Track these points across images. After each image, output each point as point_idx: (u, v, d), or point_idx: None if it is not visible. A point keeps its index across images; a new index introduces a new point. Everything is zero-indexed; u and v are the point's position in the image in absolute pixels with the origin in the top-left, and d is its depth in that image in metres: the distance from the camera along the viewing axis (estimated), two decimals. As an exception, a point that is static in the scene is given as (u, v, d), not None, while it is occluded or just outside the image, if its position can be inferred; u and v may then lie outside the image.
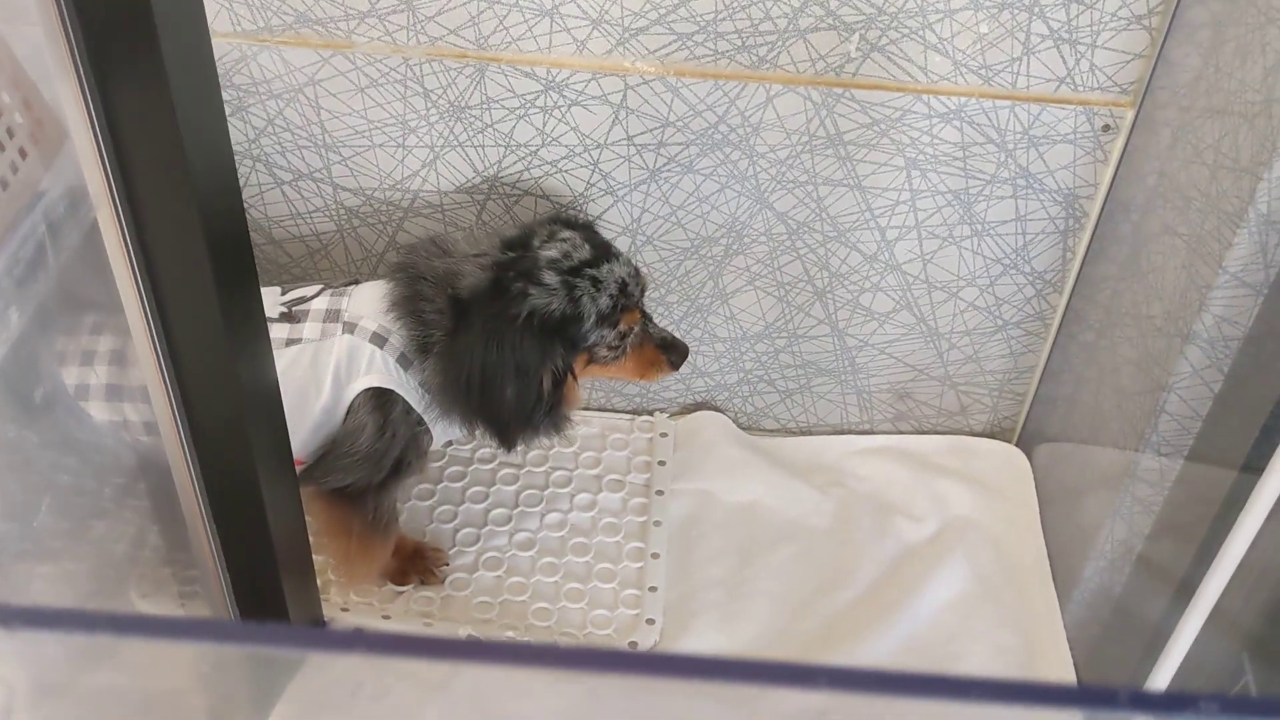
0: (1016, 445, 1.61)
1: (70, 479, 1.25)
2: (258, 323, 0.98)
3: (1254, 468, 1.08)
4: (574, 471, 1.55)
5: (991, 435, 1.62)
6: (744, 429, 1.63)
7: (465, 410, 1.22)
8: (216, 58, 1.29)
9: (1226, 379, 1.21)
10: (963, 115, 1.29)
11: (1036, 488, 1.56)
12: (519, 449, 1.43)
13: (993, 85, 1.27)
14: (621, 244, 1.43)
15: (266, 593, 1.15)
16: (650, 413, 1.62)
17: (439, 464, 1.54)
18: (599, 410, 1.63)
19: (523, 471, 1.54)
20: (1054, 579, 1.45)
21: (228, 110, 1.32)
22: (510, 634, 1.33)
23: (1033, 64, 1.25)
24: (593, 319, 1.20)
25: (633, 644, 1.34)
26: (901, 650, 1.36)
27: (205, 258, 0.86)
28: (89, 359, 1.17)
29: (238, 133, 1.36)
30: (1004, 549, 1.48)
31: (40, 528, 1.24)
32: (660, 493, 1.52)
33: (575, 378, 1.24)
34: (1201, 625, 1.17)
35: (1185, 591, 1.19)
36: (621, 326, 1.23)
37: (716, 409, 1.62)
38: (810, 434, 1.63)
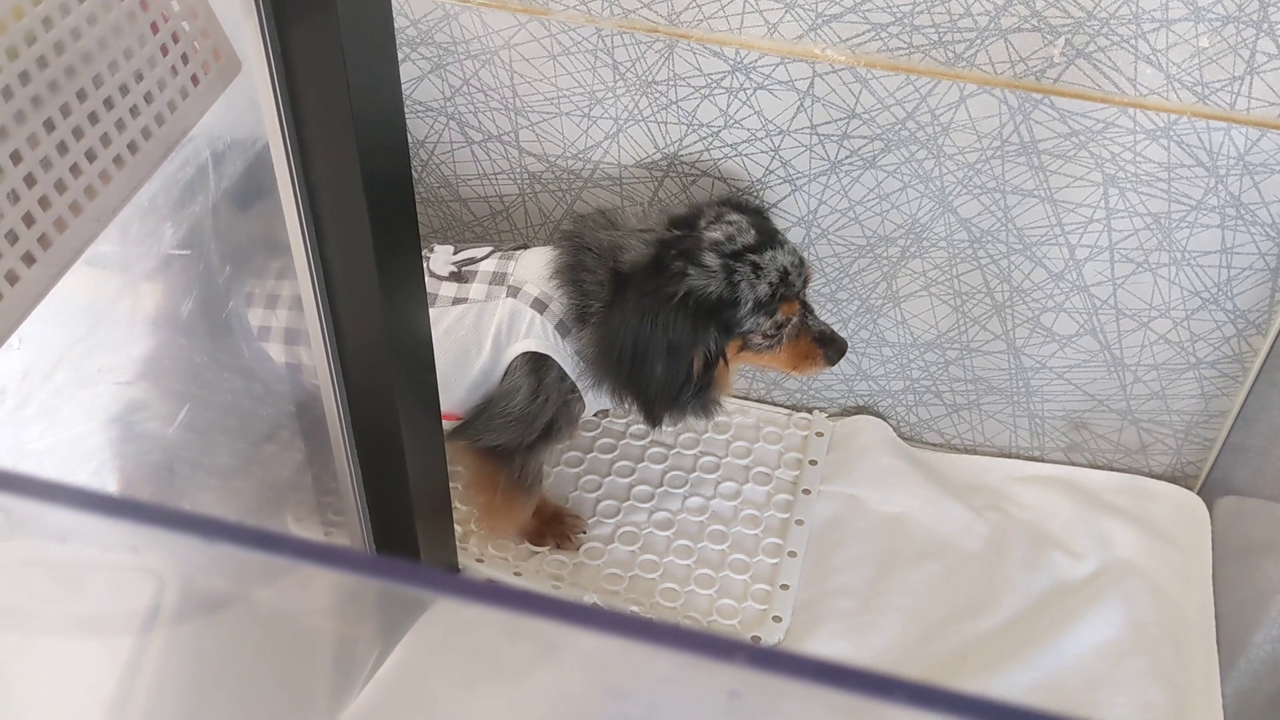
0: (1198, 493, 1.50)
1: (248, 404, 1.33)
2: (413, 273, 1.01)
3: None
4: (723, 459, 1.54)
5: (1172, 479, 1.51)
6: (905, 439, 1.58)
7: (615, 383, 1.23)
8: (420, 15, 1.34)
9: None
10: (1171, 134, 1.20)
11: (1214, 541, 1.45)
12: (666, 428, 1.43)
13: (1208, 104, 1.18)
14: (795, 235, 1.41)
15: (402, 533, 1.19)
16: (809, 410, 1.59)
17: (591, 434, 1.56)
18: (757, 401, 1.61)
19: (672, 452, 1.54)
20: (1218, 640, 1.35)
21: (427, 67, 1.37)
22: (635, 609, 1.33)
23: (1255, 84, 1.16)
24: (749, 305, 1.18)
25: (755, 638, 1.32)
26: (1036, 688, 1.29)
27: (364, 204, 0.89)
28: (273, 302, 1.23)
29: (435, 90, 1.41)
30: (1167, 601, 1.38)
31: (217, 444, 1.32)
32: (807, 491, 1.49)
33: (728, 363, 1.23)
34: None
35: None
36: (779, 316, 1.21)
37: (878, 415, 1.58)
38: (975, 453, 1.57)
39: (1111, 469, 1.53)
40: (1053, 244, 1.32)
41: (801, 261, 1.23)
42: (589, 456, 1.54)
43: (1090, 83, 1.20)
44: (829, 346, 1.26)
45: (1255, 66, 1.15)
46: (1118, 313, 1.36)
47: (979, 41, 1.20)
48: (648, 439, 1.55)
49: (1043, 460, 1.54)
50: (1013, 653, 1.32)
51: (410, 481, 1.13)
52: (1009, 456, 1.55)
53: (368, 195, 0.89)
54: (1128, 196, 1.26)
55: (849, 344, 1.29)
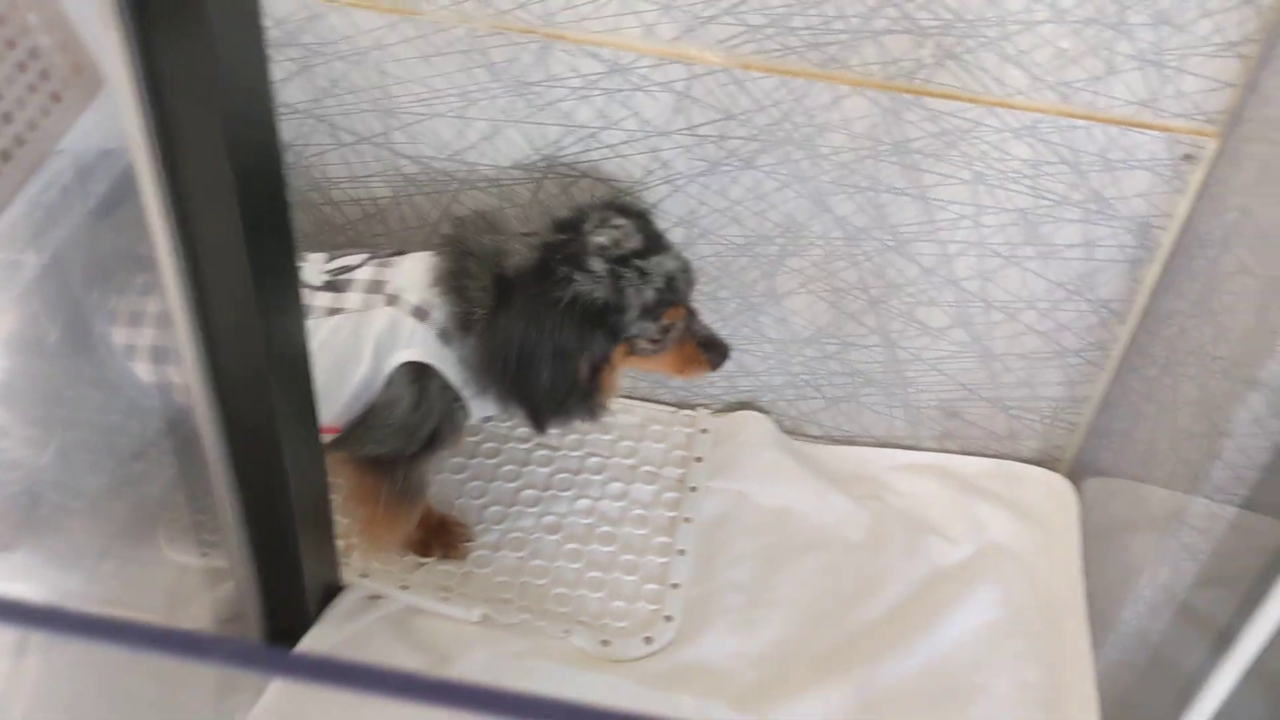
0: (1066, 476, 1.56)
1: (115, 423, 1.27)
2: (290, 284, 0.97)
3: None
4: (609, 459, 1.53)
5: (1040, 463, 1.57)
6: (787, 433, 1.60)
7: (501, 389, 1.22)
8: (285, 15, 1.29)
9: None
10: (1036, 132, 1.24)
11: (1081, 521, 1.51)
12: (552, 431, 1.42)
13: (1070, 103, 1.22)
14: (676, 235, 1.41)
15: (283, 550, 1.15)
16: (693, 407, 1.60)
17: (475, 439, 1.54)
18: (642, 400, 1.61)
19: (558, 454, 1.53)
20: (1089, 618, 1.40)
21: (294, 68, 1.33)
22: (525, 616, 1.32)
23: (1115, 84, 1.20)
24: (636, 310, 1.18)
25: (648, 639, 1.32)
26: (921, 673, 1.33)
27: (238, 214, 0.86)
28: (139, 320, 1.18)
29: (302, 92, 1.36)
30: (1040, 581, 1.44)
31: (82, 466, 1.26)
32: (694, 489, 1.50)
33: (614, 367, 1.23)
34: (1238, 680, 1.13)
35: (1224, 643, 1.14)
36: (664, 320, 1.21)
37: (760, 410, 1.59)
38: (854, 444, 1.60)
39: (984, 455, 1.57)
40: (925, 240, 1.36)
41: (687, 266, 1.23)
42: (473, 462, 1.51)
43: (959, 83, 1.23)
44: (713, 351, 1.27)
45: (1114, 67, 1.19)
46: (987, 305, 1.40)
47: (852, 43, 1.21)
48: (533, 442, 1.54)
49: (918, 449, 1.58)
50: (897, 640, 1.35)
51: (291, 497, 1.10)
52: (886, 446, 1.59)
53: (242, 206, 0.86)
54: (995, 193, 1.30)
55: (732, 346, 1.29)
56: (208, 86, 0.78)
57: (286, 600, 1.20)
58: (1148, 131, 1.22)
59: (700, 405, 1.60)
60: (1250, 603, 1.11)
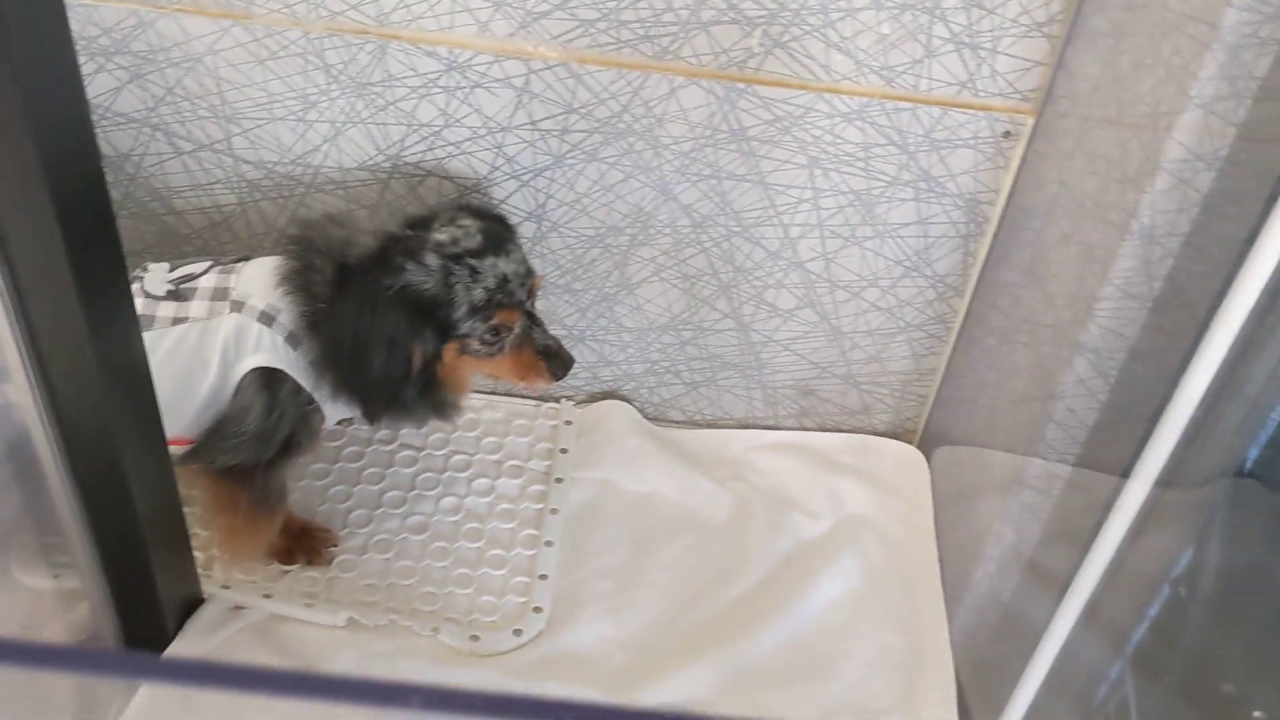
0: (917, 446, 1.62)
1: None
2: (121, 298, 0.96)
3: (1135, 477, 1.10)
4: (474, 456, 1.54)
5: (894, 435, 1.62)
6: (650, 419, 1.62)
7: (335, 378, 1.21)
8: (113, 23, 1.27)
9: (1112, 390, 1.22)
10: (864, 116, 1.29)
11: (933, 489, 1.57)
12: (399, 428, 1.42)
13: (894, 87, 1.27)
14: (526, 230, 1.42)
15: (134, 567, 1.14)
16: (557, 400, 1.62)
17: (336, 443, 1.53)
18: (505, 395, 1.62)
19: (422, 454, 1.53)
20: (943, 581, 1.46)
21: (125, 77, 1.30)
22: (393, 617, 1.32)
23: (934, 67, 1.25)
24: (464, 308, 1.18)
25: (517, 631, 1.33)
26: (787, 646, 1.36)
27: (57, 232, 0.84)
28: None
29: (136, 101, 1.34)
30: (897, 549, 1.49)
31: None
32: (560, 480, 1.51)
33: (446, 363, 1.22)
34: (1073, 627, 1.19)
35: (1062, 594, 1.20)
36: (495, 321, 1.20)
37: (623, 398, 1.62)
38: (716, 427, 1.63)
39: (839, 430, 1.62)
40: (768, 225, 1.39)
41: (529, 272, 1.23)
42: (336, 466, 1.51)
43: (788, 71, 1.26)
44: (553, 360, 1.26)
45: (932, 50, 1.24)
46: (832, 285, 1.45)
47: (683, 35, 1.24)
48: (396, 443, 1.54)
49: (778, 428, 1.63)
50: (763, 615, 1.39)
51: (139, 514, 1.08)
52: (747, 427, 1.63)
53: (62, 225, 0.84)
54: (831, 176, 1.34)
55: (574, 359, 1.29)
56: (11, 108, 0.77)
57: (143, 617, 1.18)
58: (968, 111, 1.28)
59: (564, 397, 1.62)
60: (1083, 553, 1.17)
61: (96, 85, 1.32)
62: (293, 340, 1.21)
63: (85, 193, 0.87)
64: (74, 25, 1.22)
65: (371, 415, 1.23)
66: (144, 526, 1.09)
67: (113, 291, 0.94)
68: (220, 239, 1.47)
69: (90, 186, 0.87)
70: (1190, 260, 1.11)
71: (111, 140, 1.37)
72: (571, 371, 1.56)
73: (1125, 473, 1.15)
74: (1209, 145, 1.02)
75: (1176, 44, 1.07)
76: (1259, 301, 0.94)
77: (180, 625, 1.25)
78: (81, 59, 1.27)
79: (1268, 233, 0.89)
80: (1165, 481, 1.09)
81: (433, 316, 1.16)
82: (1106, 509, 1.19)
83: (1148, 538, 1.16)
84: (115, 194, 1.43)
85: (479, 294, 1.17)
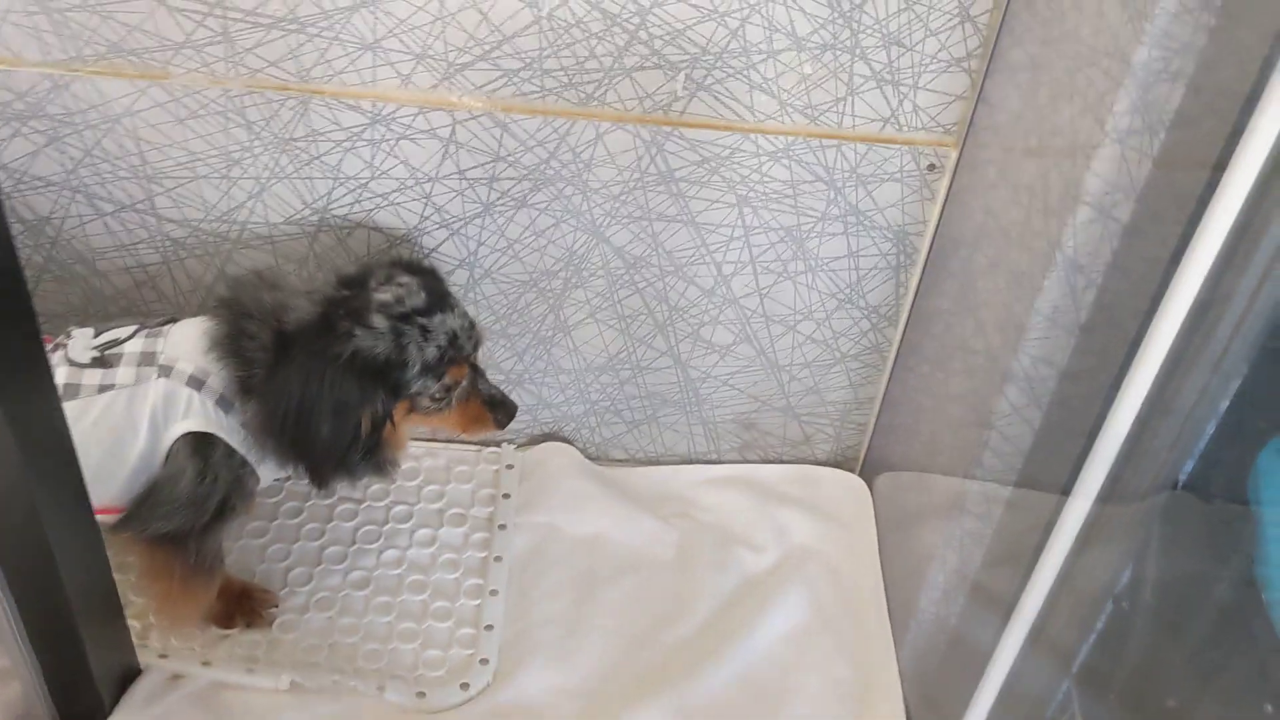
0: (860, 474, 1.63)
1: None
2: (38, 372, 0.94)
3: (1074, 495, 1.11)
4: (415, 506, 1.52)
5: (836, 464, 1.63)
6: (592, 459, 1.62)
7: (279, 447, 1.19)
8: (27, 87, 1.24)
9: (1045, 412, 1.23)
10: (790, 154, 1.30)
11: (876, 517, 1.57)
12: (338, 491, 1.41)
13: (818, 125, 1.28)
14: (459, 277, 1.41)
15: (66, 644, 1.11)
16: (498, 444, 1.61)
17: (275, 499, 1.51)
18: (445, 443, 1.61)
19: (362, 507, 1.52)
20: (889, 609, 1.47)
21: (42, 141, 1.28)
22: (337, 678, 1.30)
23: (857, 104, 1.26)
24: (417, 368, 1.18)
25: (465, 685, 1.32)
26: (736, 684, 1.36)
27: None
28: None
29: (54, 164, 1.31)
30: (843, 579, 1.49)
31: None
32: (503, 526, 1.50)
33: (394, 424, 1.22)
34: (1020, 648, 1.20)
35: (1008, 615, 1.21)
36: (447, 379, 1.21)
37: (565, 439, 1.61)
38: (659, 464, 1.63)
39: (782, 461, 1.63)
40: (701, 264, 1.40)
41: (472, 325, 1.23)
42: (274, 524, 1.48)
43: (713, 112, 1.27)
44: (498, 410, 1.27)
45: (855, 88, 1.25)
46: (767, 320, 1.45)
47: (606, 81, 1.24)
48: (336, 497, 1.52)
49: (720, 462, 1.63)
50: (710, 653, 1.38)
51: (67, 589, 1.06)
52: (690, 463, 1.63)
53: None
54: (760, 214, 1.35)
55: (518, 405, 1.30)
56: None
57: (77, 693, 1.15)
58: (893, 146, 1.29)
59: (505, 441, 1.61)
60: (1026, 573, 1.19)
61: (12, 150, 1.30)
62: (224, 404, 1.19)
63: (-4, 272, 0.85)
64: (-14, 91, 1.20)
65: (321, 483, 1.21)
66: (72, 601, 1.07)
67: (29, 367, 0.92)
68: (146, 299, 1.44)
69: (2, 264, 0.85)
70: (1115, 285, 1.13)
71: (31, 204, 1.35)
72: (512, 416, 1.56)
73: (1065, 491, 1.17)
74: (1126, 176, 1.04)
75: (1091, 77, 1.09)
76: (1185, 321, 0.96)
77: (117, 698, 1.22)
78: (-5, 124, 1.25)
79: (1191, 257, 0.91)
80: (1103, 498, 1.10)
81: (385, 379, 1.16)
82: (1048, 528, 1.20)
83: (1088, 555, 1.18)
84: (37, 258, 1.40)
85: (431, 352, 1.17)
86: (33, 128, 1.28)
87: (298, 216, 1.36)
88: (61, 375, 1.19)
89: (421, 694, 1.30)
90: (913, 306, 1.44)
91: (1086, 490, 1.11)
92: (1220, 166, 0.88)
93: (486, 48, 1.22)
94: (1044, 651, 1.22)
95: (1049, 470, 1.22)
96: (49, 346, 1.22)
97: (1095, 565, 1.21)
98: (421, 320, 1.18)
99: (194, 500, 1.20)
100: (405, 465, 1.56)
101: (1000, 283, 1.32)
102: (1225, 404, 1.15)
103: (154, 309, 1.45)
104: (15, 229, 1.37)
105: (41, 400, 0.96)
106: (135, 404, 1.18)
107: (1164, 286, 0.96)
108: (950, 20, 1.20)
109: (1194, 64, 0.97)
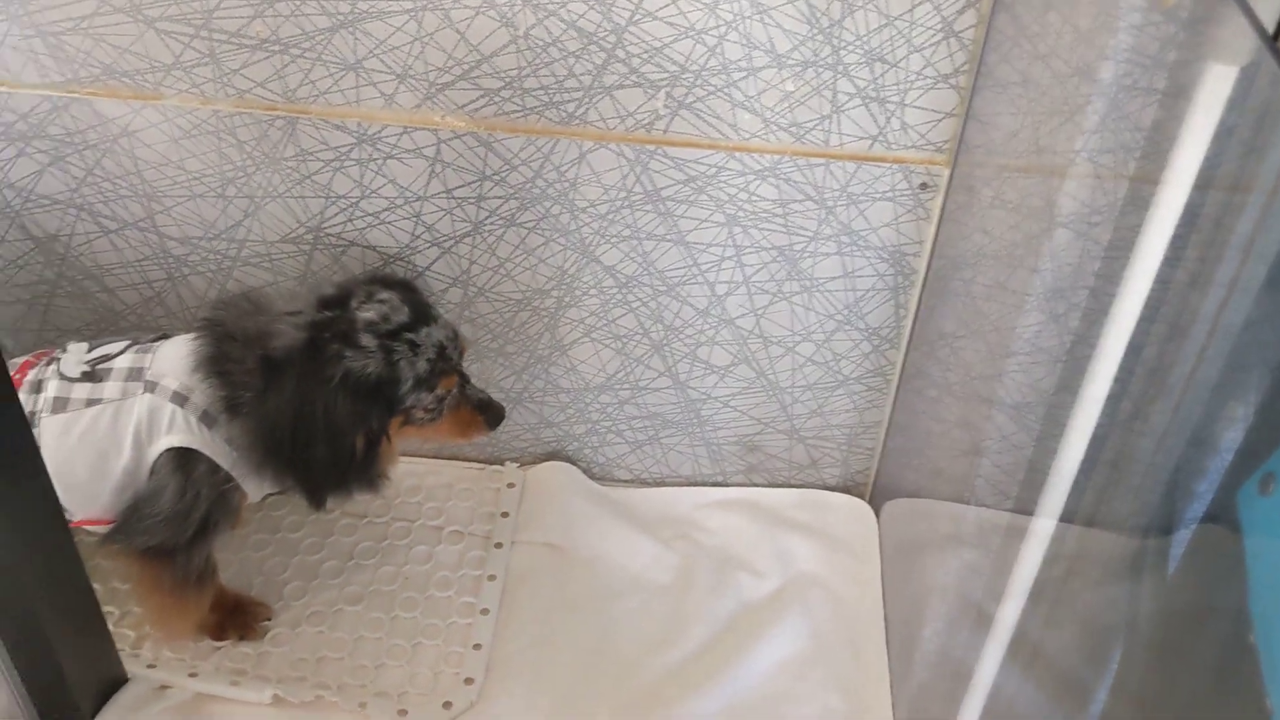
0: (869, 500, 1.59)
1: None
2: (-4, 388, 0.96)
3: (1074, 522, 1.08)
4: (415, 523, 1.53)
5: (845, 489, 1.59)
6: (596, 479, 1.60)
7: (276, 468, 1.21)
8: (28, 109, 1.28)
9: (1037, 441, 1.19)
10: (778, 172, 1.27)
11: (881, 544, 1.53)
12: (331, 508, 1.42)
13: (804, 143, 1.25)
14: (453, 295, 1.42)
15: (41, 653, 1.13)
16: (501, 462, 1.61)
17: (279, 513, 1.52)
18: (449, 459, 1.61)
19: (363, 522, 1.52)
20: (888, 638, 1.43)
21: (45, 160, 1.32)
22: (320, 694, 1.31)
23: (843, 122, 1.24)
24: (410, 382, 1.19)
25: (447, 704, 1.31)
26: (726, 713, 1.33)
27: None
28: None
29: (58, 183, 1.35)
30: (844, 607, 1.46)
31: None
32: (499, 545, 1.50)
33: (390, 439, 1.23)
34: (1019, 681, 1.16)
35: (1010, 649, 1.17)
36: (439, 390, 1.22)
37: (567, 459, 1.60)
38: (663, 485, 1.61)
39: (789, 485, 1.60)
40: (693, 283, 1.38)
41: (456, 334, 1.24)
42: (276, 536, 1.50)
43: (696, 131, 1.25)
44: (488, 413, 1.29)
45: (839, 105, 1.23)
46: (765, 340, 1.43)
47: (586, 100, 1.24)
48: (338, 511, 1.53)
49: (726, 485, 1.60)
50: (702, 681, 1.36)
51: (38, 602, 1.08)
52: (695, 484, 1.60)
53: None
54: (751, 233, 1.33)
55: (505, 407, 1.30)
56: None
57: (55, 701, 1.17)
58: (882, 164, 1.26)
59: (509, 459, 1.61)
60: (1030, 604, 1.15)
61: (18, 169, 1.34)
62: (207, 419, 1.20)
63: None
64: (-12, 112, 1.24)
65: (318, 503, 1.22)
66: (45, 613, 1.09)
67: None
68: (154, 314, 1.47)
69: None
70: (1117, 308, 1.09)
71: (39, 222, 1.39)
72: (513, 433, 1.56)
73: (1068, 519, 1.13)
74: (1102, 196, 1.00)
75: (1069, 93, 1.05)
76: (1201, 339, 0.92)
77: (99, 707, 1.24)
78: (0, 144, 1.29)
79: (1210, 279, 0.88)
80: (1119, 528, 1.06)
81: (379, 396, 1.17)
82: (1054, 558, 1.16)
83: (1096, 584, 1.13)
84: (49, 274, 1.44)
85: (422, 366, 1.18)
86: (36, 147, 1.32)
87: (293, 235, 1.38)
88: (52, 389, 1.22)
89: (403, 712, 1.30)
90: (914, 329, 1.40)
91: (1102, 519, 1.07)
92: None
93: (466, 67, 1.22)
94: (1046, 685, 1.17)
95: (1062, 499, 1.17)
96: (44, 360, 1.25)
97: (1103, 596, 1.17)
98: (409, 335, 1.19)
99: (176, 515, 1.22)
100: (407, 482, 1.57)
101: (1002, 305, 1.28)
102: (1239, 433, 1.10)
103: (161, 325, 1.48)
104: (26, 246, 1.41)
105: (4, 419, 0.98)
106: (120, 419, 1.20)
107: (1181, 308, 0.92)
108: (933, 36, 1.16)
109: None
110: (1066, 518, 1.17)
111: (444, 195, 1.33)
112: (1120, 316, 0.97)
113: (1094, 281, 1.06)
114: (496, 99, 1.24)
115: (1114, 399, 1.00)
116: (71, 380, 1.22)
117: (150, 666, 1.32)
